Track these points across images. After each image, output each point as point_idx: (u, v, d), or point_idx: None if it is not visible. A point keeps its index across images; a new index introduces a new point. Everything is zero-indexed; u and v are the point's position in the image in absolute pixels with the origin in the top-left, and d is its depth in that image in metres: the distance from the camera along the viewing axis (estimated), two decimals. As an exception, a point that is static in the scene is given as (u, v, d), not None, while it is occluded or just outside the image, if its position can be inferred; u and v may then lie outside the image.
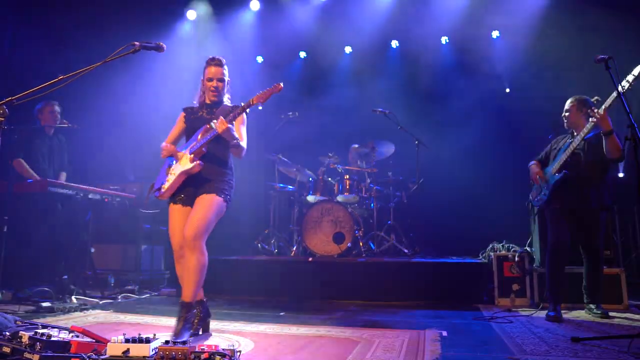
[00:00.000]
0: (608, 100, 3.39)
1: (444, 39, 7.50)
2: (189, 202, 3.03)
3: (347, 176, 5.79)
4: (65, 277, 4.50)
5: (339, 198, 5.64)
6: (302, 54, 8.16)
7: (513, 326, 3.31)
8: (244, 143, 3.10)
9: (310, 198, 5.75)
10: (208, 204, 2.94)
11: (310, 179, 5.87)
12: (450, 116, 6.88)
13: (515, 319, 3.60)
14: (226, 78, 3.26)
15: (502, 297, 4.40)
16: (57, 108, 4.78)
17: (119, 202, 5.20)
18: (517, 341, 2.81)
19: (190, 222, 2.89)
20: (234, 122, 3.00)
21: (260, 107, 3.02)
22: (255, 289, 4.90)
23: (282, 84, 2.99)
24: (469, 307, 4.26)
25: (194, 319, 2.97)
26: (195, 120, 3.17)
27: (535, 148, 4.28)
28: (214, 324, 3.33)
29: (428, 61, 7.40)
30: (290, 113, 6.27)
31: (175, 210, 3.05)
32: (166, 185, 3.01)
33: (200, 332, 3.04)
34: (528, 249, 4.52)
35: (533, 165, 4.02)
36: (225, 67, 3.26)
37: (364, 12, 7.28)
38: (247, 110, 3.03)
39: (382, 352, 2.53)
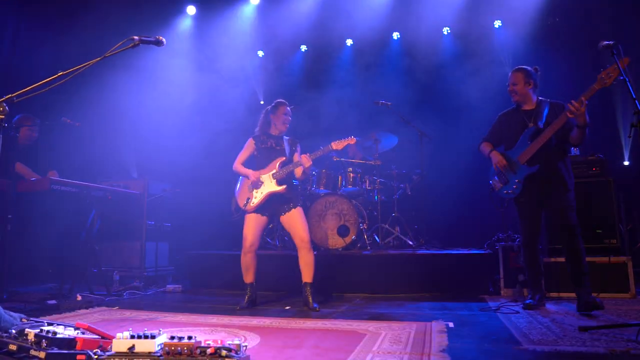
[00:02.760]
0: (587, 92, 3.25)
1: (446, 30, 7.44)
2: (267, 213, 4.02)
3: (351, 169, 5.76)
4: (70, 274, 4.51)
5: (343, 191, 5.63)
6: (303, 48, 8.12)
7: (520, 316, 3.30)
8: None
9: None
10: (301, 214, 3.98)
11: (314, 172, 5.85)
12: (453, 107, 6.84)
13: (521, 309, 3.58)
14: None
15: (508, 287, 4.38)
16: (34, 128, 4.61)
17: (122, 199, 5.20)
18: (524, 331, 2.80)
19: (301, 231, 3.91)
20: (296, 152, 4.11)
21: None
22: (260, 284, 4.89)
23: (355, 139, 3.89)
24: (475, 298, 4.25)
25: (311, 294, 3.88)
26: (266, 149, 4.08)
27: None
28: (219, 320, 3.33)
29: (430, 52, 7.36)
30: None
31: (254, 218, 3.98)
32: (254, 202, 3.96)
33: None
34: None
35: (495, 152, 3.79)
36: None
37: (364, 5, 7.23)
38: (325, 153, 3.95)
39: (389, 344, 2.52)
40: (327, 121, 7.11)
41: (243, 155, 4.14)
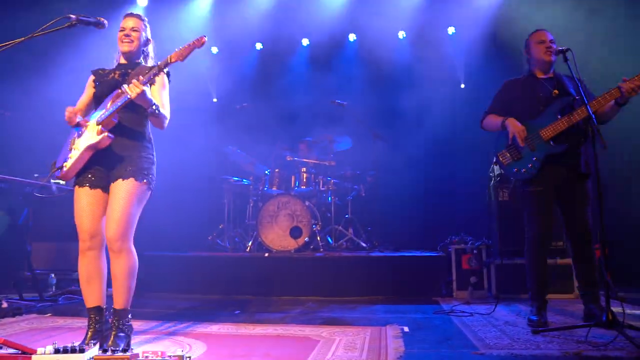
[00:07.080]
0: None
1: (401, 34, 7.49)
2: (100, 183, 2.53)
3: (304, 169, 5.64)
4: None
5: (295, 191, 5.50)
6: (259, 46, 7.93)
7: (474, 319, 3.28)
8: (165, 110, 2.60)
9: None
10: (126, 194, 2.44)
11: (267, 171, 5.67)
12: (408, 110, 6.86)
13: (475, 312, 3.57)
14: (145, 33, 2.78)
15: (460, 289, 4.39)
16: None
17: (59, 196, 4.82)
18: (480, 335, 2.77)
19: (110, 220, 2.42)
20: (149, 85, 2.48)
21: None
22: (209, 287, 4.68)
23: (205, 37, 2.39)
24: (428, 300, 4.23)
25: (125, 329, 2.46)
26: (105, 84, 2.64)
27: (489, 141, 3.72)
28: (163, 327, 3.11)
29: (385, 55, 7.37)
30: (239, 105, 6.03)
31: (82, 194, 2.52)
32: (68, 163, 2.48)
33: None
34: (486, 241, 4.53)
35: (512, 120, 3.14)
36: (146, 24, 2.80)
37: (321, 5, 7.15)
38: (166, 69, 2.50)
39: (344, 351, 2.41)
40: (281, 120, 6.97)
41: (82, 100, 2.76)
